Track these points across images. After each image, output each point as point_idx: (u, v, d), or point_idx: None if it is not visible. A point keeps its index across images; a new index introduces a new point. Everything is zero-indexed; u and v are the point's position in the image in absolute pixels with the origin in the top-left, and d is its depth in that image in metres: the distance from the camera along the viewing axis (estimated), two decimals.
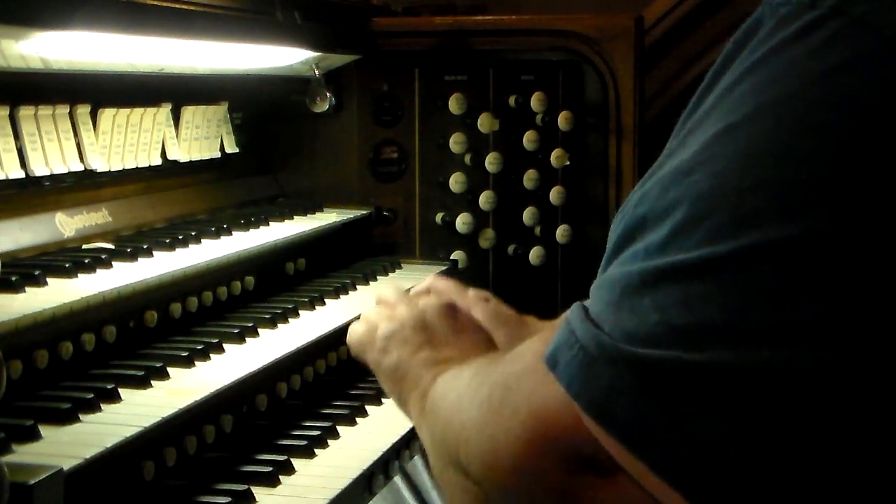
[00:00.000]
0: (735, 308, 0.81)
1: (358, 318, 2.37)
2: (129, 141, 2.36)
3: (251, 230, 2.45)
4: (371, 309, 1.83)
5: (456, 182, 2.95)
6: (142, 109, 2.40)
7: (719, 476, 0.81)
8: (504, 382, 1.02)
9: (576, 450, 0.92)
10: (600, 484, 0.93)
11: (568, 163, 2.97)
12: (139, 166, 2.41)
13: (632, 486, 0.89)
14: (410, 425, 2.03)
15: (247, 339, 2.06)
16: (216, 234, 2.32)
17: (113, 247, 2.12)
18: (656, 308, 0.84)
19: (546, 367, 0.92)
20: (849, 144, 0.81)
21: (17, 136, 2.04)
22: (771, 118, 0.84)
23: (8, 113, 2.03)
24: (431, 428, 1.24)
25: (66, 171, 2.16)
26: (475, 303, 1.91)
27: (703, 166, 0.86)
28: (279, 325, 2.18)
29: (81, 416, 1.60)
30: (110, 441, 1.51)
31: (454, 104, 2.93)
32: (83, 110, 2.22)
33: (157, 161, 2.48)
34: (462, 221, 2.96)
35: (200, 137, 2.64)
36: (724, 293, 0.81)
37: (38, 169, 2.08)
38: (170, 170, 2.53)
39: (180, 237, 2.21)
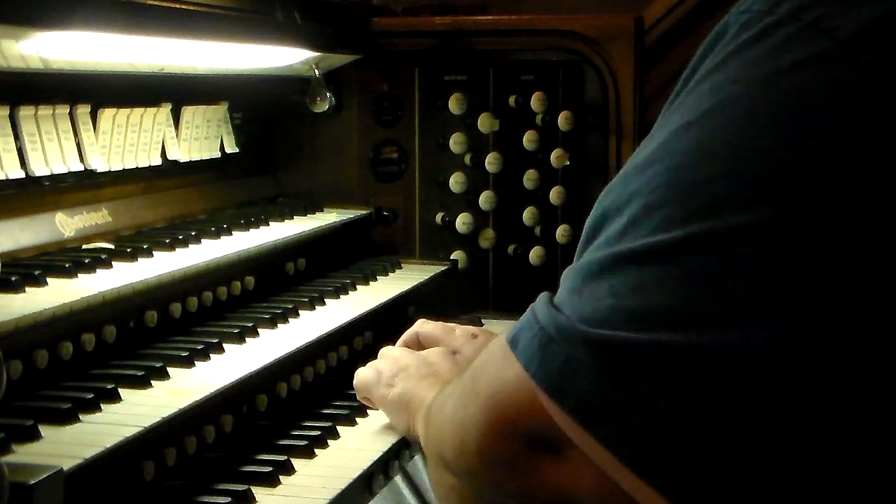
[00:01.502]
0: (685, 292, 0.85)
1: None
2: (129, 141, 2.36)
3: (251, 230, 2.45)
4: (372, 363, 1.93)
5: (456, 182, 2.95)
6: (142, 109, 2.40)
7: (666, 451, 0.85)
8: (472, 374, 1.07)
9: (532, 429, 0.96)
10: (554, 463, 0.97)
11: (568, 163, 2.97)
12: (139, 166, 2.41)
13: (583, 464, 0.93)
14: None
15: (247, 339, 2.06)
16: (216, 234, 2.32)
17: (113, 247, 2.12)
18: (611, 293, 0.89)
19: (507, 351, 0.97)
20: (799, 140, 0.85)
21: (17, 136, 2.04)
22: (726, 115, 0.89)
23: (8, 113, 2.03)
24: (427, 433, 1.26)
25: (66, 171, 2.16)
26: (464, 342, 1.99)
27: (661, 161, 0.91)
28: (279, 325, 2.18)
29: (81, 416, 1.60)
30: (110, 441, 1.51)
31: (454, 104, 2.93)
32: (83, 110, 2.22)
33: (157, 161, 2.48)
34: (462, 221, 2.96)
35: (200, 137, 2.64)
36: (675, 278, 0.86)
37: (38, 169, 2.08)
38: (170, 170, 2.53)
39: (180, 237, 2.21)
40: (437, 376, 1.75)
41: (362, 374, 1.99)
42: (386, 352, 2.00)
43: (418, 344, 2.06)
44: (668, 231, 0.87)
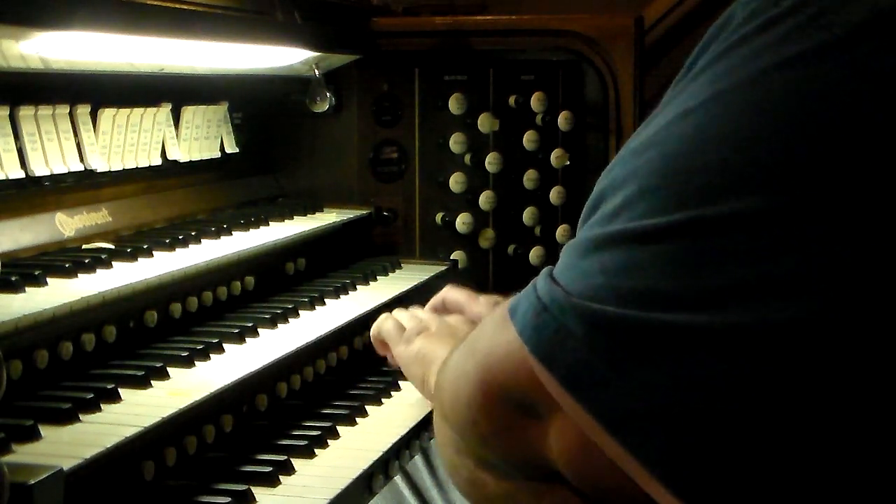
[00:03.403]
0: (671, 275, 0.90)
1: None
2: (129, 141, 2.36)
3: (251, 230, 2.45)
4: (397, 311, 2.04)
5: (456, 182, 2.95)
6: (142, 109, 2.40)
7: (643, 419, 0.90)
8: (476, 333, 1.13)
9: (518, 392, 1.02)
10: (535, 426, 1.03)
11: (568, 163, 2.97)
12: (139, 166, 2.41)
13: (561, 429, 1.00)
14: (411, 425, 2.06)
15: (247, 339, 2.06)
16: (216, 234, 2.32)
17: (113, 247, 2.12)
18: (602, 271, 0.94)
19: (506, 317, 1.02)
20: (791, 131, 0.88)
21: (17, 136, 2.04)
22: (722, 105, 0.92)
23: (8, 113, 2.03)
24: (435, 384, 1.31)
25: (66, 171, 2.16)
26: (486, 309, 2.05)
27: (658, 146, 0.95)
28: (279, 325, 2.18)
29: (81, 416, 1.60)
30: (110, 441, 1.51)
31: (454, 104, 2.93)
32: (83, 110, 2.22)
33: (157, 161, 2.48)
34: (462, 221, 2.96)
35: (200, 137, 2.64)
36: (663, 261, 0.90)
37: (38, 169, 2.08)
38: (170, 170, 2.53)
39: (180, 237, 2.21)
40: (456, 337, 1.80)
41: (385, 326, 2.11)
42: (411, 312, 2.11)
43: (444, 309, 2.17)
44: (660, 215, 0.91)
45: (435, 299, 2.22)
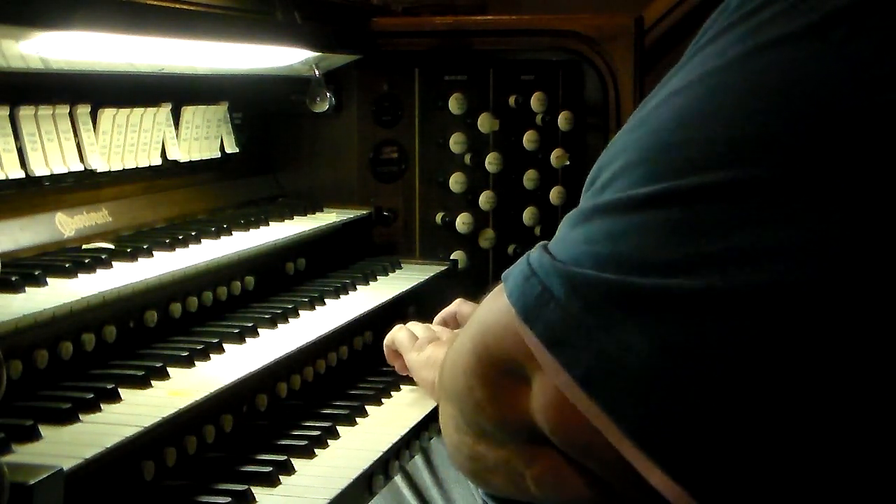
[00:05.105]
0: (645, 242, 0.95)
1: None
2: (129, 141, 2.36)
3: (251, 230, 2.45)
4: (411, 324, 2.12)
5: (456, 182, 2.95)
6: (142, 109, 2.40)
7: (617, 378, 0.95)
8: (474, 312, 1.18)
9: (507, 355, 1.07)
10: (523, 388, 1.07)
11: (568, 163, 2.97)
12: (139, 166, 2.41)
13: (544, 390, 1.03)
14: (410, 425, 2.06)
15: (247, 339, 2.06)
16: (216, 234, 2.32)
17: (113, 247, 2.12)
18: (586, 240, 0.99)
19: (500, 287, 1.07)
20: (765, 110, 0.93)
21: (17, 136, 2.04)
22: (705, 86, 0.98)
23: (8, 113, 2.03)
24: (439, 371, 1.34)
25: (66, 171, 2.16)
26: None
27: (646, 124, 1.01)
28: (279, 325, 2.18)
29: (81, 416, 1.61)
30: (110, 441, 1.52)
31: (454, 104, 2.93)
32: (83, 110, 2.22)
33: (157, 161, 2.48)
34: (462, 221, 2.96)
35: (200, 137, 2.64)
36: (639, 229, 0.96)
37: (38, 169, 2.08)
38: (170, 170, 2.53)
39: (180, 237, 2.21)
40: None
41: (399, 335, 2.21)
42: (425, 325, 2.18)
43: (454, 322, 2.27)
44: (640, 187, 0.96)
45: (447, 311, 2.28)
